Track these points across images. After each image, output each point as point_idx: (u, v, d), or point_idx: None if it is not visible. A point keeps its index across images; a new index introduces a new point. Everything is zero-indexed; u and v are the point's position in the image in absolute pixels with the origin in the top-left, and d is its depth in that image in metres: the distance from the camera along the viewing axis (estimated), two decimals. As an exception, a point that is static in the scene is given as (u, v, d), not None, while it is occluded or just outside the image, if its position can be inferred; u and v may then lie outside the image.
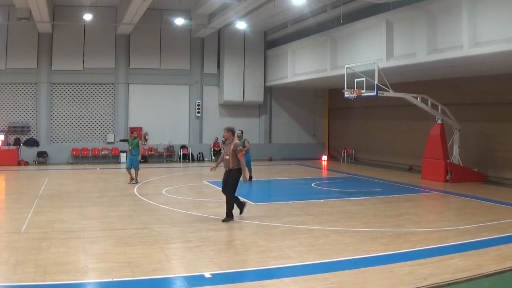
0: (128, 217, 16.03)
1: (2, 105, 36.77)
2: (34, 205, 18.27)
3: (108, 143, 37.78)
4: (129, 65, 37.97)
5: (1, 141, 35.74)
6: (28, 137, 36.80)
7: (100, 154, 37.41)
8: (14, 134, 36.45)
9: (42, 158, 36.38)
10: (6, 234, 13.82)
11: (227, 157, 15.38)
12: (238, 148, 15.12)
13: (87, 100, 37.66)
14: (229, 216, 15.14)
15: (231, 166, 15.23)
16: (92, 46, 37.23)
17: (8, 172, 30.94)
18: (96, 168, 33.03)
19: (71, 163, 36.44)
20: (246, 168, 15.67)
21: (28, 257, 11.08)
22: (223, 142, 20.44)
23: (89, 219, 15.80)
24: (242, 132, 25.01)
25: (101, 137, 37.91)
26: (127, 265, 10.49)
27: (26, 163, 35.49)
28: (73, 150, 37.11)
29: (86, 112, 37.63)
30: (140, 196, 20.39)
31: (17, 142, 36.29)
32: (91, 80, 37.51)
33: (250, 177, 24.85)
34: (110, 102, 38.06)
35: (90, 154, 37.30)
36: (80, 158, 37.03)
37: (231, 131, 15.74)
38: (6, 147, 35.56)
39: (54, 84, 37.22)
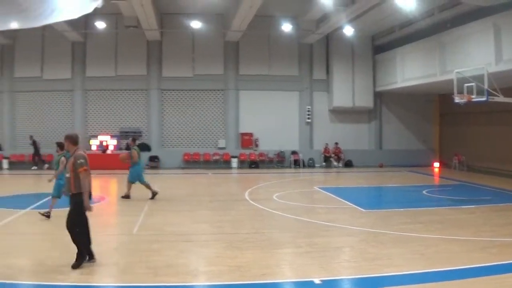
0: (239, 222, 16.13)
1: (114, 111, 37.95)
2: (146, 208, 18.72)
3: (219, 148, 38.17)
4: (238, 72, 38.28)
5: (114, 145, 36.77)
6: (140, 142, 37.63)
7: (212, 159, 37.80)
8: (126, 139, 37.37)
9: (154, 162, 37.15)
10: (118, 235, 14.20)
11: (67, 175, 11.16)
12: (78, 162, 10.76)
13: (198, 106, 38.25)
14: (80, 258, 10.76)
15: (73, 190, 10.86)
16: (201, 53, 37.88)
17: (121, 176, 31.60)
18: (207, 173, 33.40)
19: (183, 168, 37.02)
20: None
21: (139, 258, 11.35)
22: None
23: (200, 223, 16.01)
24: (134, 140, 23.46)
25: (212, 142, 38.36)
26: (237, 269, 10.56)
27: (139, 168, 36.30)
28: (184, 155, 37.77)
29: (196, 118, 38.21)
30: (251, 201, 20.44)
31: (129, 147, 37.14)
32: (201, 87, 38.08)
33: (154, 194, 21.59)
34: (220, 108, 38.48)
35: (202, 159, 37.77)
36: (192, 163, 37.56)
37: (69, 139, 11.24)
38: (119, 152, 36.44)
39: (164, 90, 38.10)
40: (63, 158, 15.62)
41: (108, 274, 10.50)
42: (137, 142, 25.14)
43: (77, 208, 10.67)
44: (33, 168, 35.64)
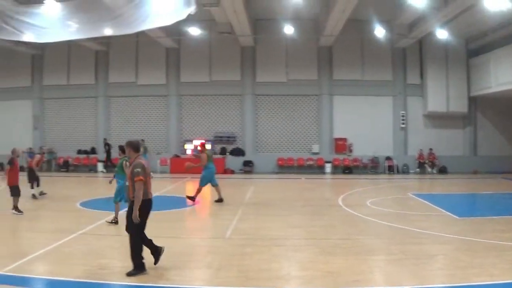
0: (331, 227, 16.11)
1: (208, 116, 38.61)
2: (239, 212, 18.93)
3: (313, 153, 38.19)
4: (332, 77, 38.20)
5: (208, 150, 37.39)
6: (234, 147, 38.10)
7: (305, 164, 37.82)
8: (220, 144, 37.95)
9: (248, 167, 37.54)
10: (211, 239, 14.45)
11: (127, 182, 11.59)
12: (135, 171, 10.72)
13: (292, 111, 38.42)
14: (136, 269, 10.64)
15: (131, 197, 10.86)
16: (294, 58, 38.03)
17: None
18: (300, 178, 33.44)
19: (277, 173, 37.22)
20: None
21: (231, 262, 11.52)
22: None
23: (293, 227, 16.07)
24: (203, 145, 23.31)
25: (306, 147, 38.46)
26: (329, 274, 10.56)
27: (232, 172, 36.83)
28: (278, 159, 37.99)
29: (290, 123, 38.41)
30: (344, 207, 20.38)
31: (223, 151, 37.74)
32: (295, 92, 38.24)
33: (220, 199, 21.88)
34: (314, 113, 38.51)
35: (295, 164, 37.87)
36: (285, 167, 37.72)
37: (130, 146, 11.21)
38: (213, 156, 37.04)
39: (259, 95, 38.41)
40: (125, 162, 15.94)
41: (200, 277, 10.73)
42: (207, 146, 25.21)
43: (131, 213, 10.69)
44: (100, 171, 36.63)
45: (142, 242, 10.77)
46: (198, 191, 21.70)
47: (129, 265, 10.57)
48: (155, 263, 10.87)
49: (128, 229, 10.74)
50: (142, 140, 36.68)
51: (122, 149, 16.24)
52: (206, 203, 22.93)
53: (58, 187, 28.71)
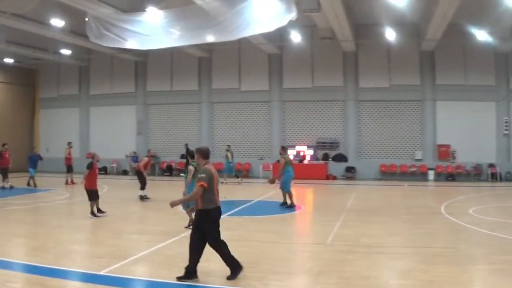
0: (433, 235, 15.82)
1: (311, 122, 38.68)
2: (341, 218, 18.82)
3: (416, 160, 37.57)
4: (435, 81, 37.51)
5: (310, 155, 37.44)
6: (336, 153, 38.05)
7: (408, 171, 37.28)
8: (322, 150, 37.96)
9: (350, 173, 37.36)
10: (312, 245, 14.49)
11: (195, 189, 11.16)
12: (199, 176, 10.75)
13: (394, 117, 37.90)
14: (233, 273, 10.73)
15: (198, 205, 10.84)
16: (396, 63, 37.46)
17: (317, 186, 32.27)
18: (403, 185, 33.05)
19: (379, 179, 36.95)
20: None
21: (332, 268, 11.50)
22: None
23: (394, 235, 15.91)
24: (283, 148, 23.29)
25: (408, 154, 37.83)
26: (429, 284, 10.41)
27: (334, 178, 36.76)
28: (381, 166, 37.59)
29: (393, 129, 37.86)
30: (446, 215, 19.94)
31: (325, 157, 37.74)
32: (397, 97, 37.69)
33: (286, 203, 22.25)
34: (417, 119, 37.82)
35: (398, 171, 37.41)
36: (388, 174, 37.38)
37: (199, 152, 11.18)
38: (315, 162, 37.14)
39: (361, 101, 38.16)
40: (191, 167, 16.17)
41: (300, 282, 10.80)
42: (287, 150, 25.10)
43: (200, 223, 10.73)
44: (181, 174, 37.24)
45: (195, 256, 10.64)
46: (290, 196, 21.86)
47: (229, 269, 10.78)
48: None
49: (207, 241, 10.71)
50: (186, 144, 37.49)
51: (192, 154, 16.18)
52: (308, 209, 23.05)
53: (161, 190, 29.47)
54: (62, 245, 14.15)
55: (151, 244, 13.94)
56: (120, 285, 10.58)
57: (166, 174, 40.24)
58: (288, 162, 22.15)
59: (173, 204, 10.91)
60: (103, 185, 31.48)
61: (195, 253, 10.59)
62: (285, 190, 21.96)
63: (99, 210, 19.49)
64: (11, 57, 40.71)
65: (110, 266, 11.54)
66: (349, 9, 30.27)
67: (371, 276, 10.93)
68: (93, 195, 19.25)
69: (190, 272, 10.52)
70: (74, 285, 10.71)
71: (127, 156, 35.14)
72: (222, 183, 33.71)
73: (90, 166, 19.36)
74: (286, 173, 21.93)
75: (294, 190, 22.37)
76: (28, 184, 30.74)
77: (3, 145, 30.39)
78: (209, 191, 10.48)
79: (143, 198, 24.44)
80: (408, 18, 32.69)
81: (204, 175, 10.47)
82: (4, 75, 44.01)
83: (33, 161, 31.67)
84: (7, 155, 29.92)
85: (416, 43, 36.15)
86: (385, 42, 35.22)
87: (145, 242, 14.43)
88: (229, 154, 34.53)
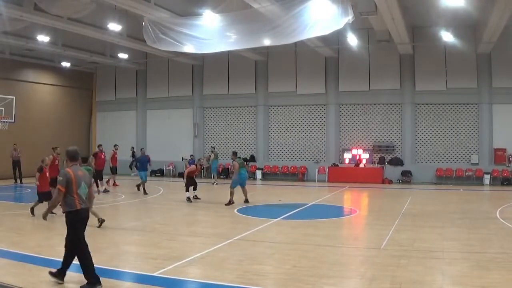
0: (488, 241, 15.52)
1: (367, 125, 38.48)
2: (396, 222, 18.66)
3: (472, 164, 36.96)
4: (492, 84, 36.71)
5: (366, 159, 37.28)
6: (392, 156, 37.78)
7: (464, 175, 36.69)
8: (379, 153, 37.76)
9: (406, 177, 37.03)
10: (366, 249, 14.39)
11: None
12: (58, 179, 10.67)
13: (451, 121, 37.38)
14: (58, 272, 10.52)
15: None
16: (453, 66, 36.89)
17: (372, 190, 32.10)
18: (459, 189, 32.54)
19: (435, 183, 36.52)
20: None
21: (385, 273, 11.41)
22: None
23: (449, 240, 15.66)
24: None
25: (465, 158, 37.28)
26: (483, 290, 10.21)
27: (390, 182, 36.48)
28: (437, 170, 37.08)
29: (449, 133, 37.33)
30: (502, 220, 19.58)
31: (381, 160, 37.51)
32: (454, 101, 37.13)
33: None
34: (473, 123, 37.23)
35: (454, 175, 36.85)
36: (444, 178, 36.89)
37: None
38: (371, 165, 36.99)
39: (418, 104, 37.77)
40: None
41: (352, 286, 10.77)
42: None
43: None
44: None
45: None
46: (231, 194, 23.58)
47: (283, 271, 10.80)
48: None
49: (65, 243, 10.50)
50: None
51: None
52: (363, 212, 22.96)
53: (217, 193, 29.62)
54: (115, 247, 14.46)
55: (205, 247, 14.03)
56: (173, 287, 10.69)
57: (222, 176, 40.38)
58: (240, 165, 23.74)
59: (44, 216, 11.05)
60: (158, 187, 31.87)
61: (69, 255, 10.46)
62: (232, 186, 23.62)
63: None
64: (68, 61, 41.62)
65: (165, 267, 11.68)
66: (406, 11, 30.00)
67: (424, 281, 10.81)
68: (45, 197, 19.80)
69: (61, 273, 10.42)
70: (127, 285, 10.85)
71: (184, 159, 35.53)
72: (213, 184, 35.07)
73: (41, 170, 20.08)
74: (239, 174, 23.61)
75: (350, 194, 22.39)
76: (138, 189, 28.89)
77: (99, 146, 30.97)
78: (68, 194, 10.16)
79: (193, 198, 24.76)
80: (465, 20, 32.34)
81: (61, 178, 10.19)
82: (62, 78, 44.88)
83: (142, 163, 29.44)
84: (103, 156, 29.46)
85: (472, 45, 35.56)
86: (442, 45, 34.85)
87: (199, 244, 14.55)
88: (212, 155, 36.55)
